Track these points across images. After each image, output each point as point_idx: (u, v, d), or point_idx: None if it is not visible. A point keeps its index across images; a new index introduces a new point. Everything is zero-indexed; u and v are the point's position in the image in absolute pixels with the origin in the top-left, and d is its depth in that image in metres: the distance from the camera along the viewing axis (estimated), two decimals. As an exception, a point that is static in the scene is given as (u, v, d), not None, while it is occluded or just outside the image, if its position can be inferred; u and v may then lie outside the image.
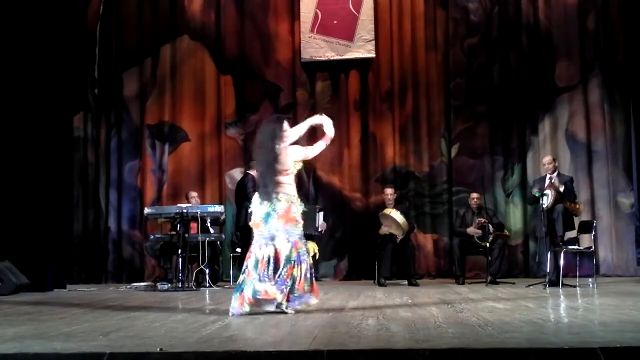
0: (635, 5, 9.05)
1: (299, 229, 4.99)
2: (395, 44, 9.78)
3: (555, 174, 7.69)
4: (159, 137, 9.91)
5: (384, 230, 8.26)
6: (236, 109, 9.87)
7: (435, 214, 9.55)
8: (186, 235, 7.81)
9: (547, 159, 7.93)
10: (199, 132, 9.88)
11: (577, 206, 7.60)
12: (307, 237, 8.25)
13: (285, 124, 5.20)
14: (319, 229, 8.22)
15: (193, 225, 8.01)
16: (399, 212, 8.15)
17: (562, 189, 7.39)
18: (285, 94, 9.84)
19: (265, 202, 4.93)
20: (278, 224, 4.90)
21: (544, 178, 7.76)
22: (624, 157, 9.20)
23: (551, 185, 7.45)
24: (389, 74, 9.76)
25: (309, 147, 5.31)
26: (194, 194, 8.85)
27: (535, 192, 7.45)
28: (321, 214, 8.35)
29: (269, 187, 4.93)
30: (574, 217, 7.58)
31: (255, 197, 5.05)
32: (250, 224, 5.09)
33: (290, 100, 9.82)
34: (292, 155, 5.14)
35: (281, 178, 4.98)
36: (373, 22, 9.68)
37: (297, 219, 4.98)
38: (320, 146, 5.38)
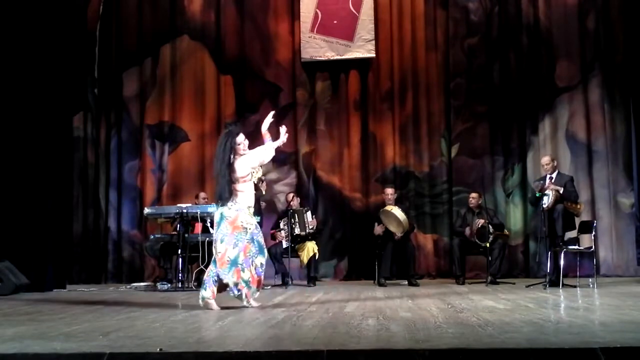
0: (635, 5, 9.04)
1: (248, 235, 5.42)
2: (395, 44, 9.78)
3: (554, 173, 7.69)
4: (159, 137, 9.91)
5: (378, 230, 8.26)
6: (236, 109, 9.86)
7: (435, 214, 9.54)
8: (186, 235, 7.81)
9: (545, 159, 7.93)
10: (199, 132, 9.88)
11: (578, 206, 7.60)
12: (303, 237, 8.41)
13: (240, 136, 5.51)
14: (310, 227, 8.39)
15: (197, 225, 8.02)
16: (400, 209, 8.16)
17: (561, 190, 7.38)
18: (285, 94, 9.83)
19: (220, 208, 5.44)
20: (227, 230, 5.39)
21: (544, 178, 7.76)
22: (624, 157, 9.19)
23: (551, 185, 7.45)
24: (389, 74, 9.76)
25: (261, 153, 5.57)
26: (203, 194, 8.86)
27: (537, 192, 7.44)
28: (309, 213, 8.51)
29: (224, 195, 5.38)
30: (575, 217, 7.58)
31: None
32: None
33: (290, 100, 9.82)
34: (248, 162, 5.48)
35: (238, 186, 5.43)
36: (373, 22, 9.67)
37: (244, 226, 5.42)
38: (271, 146, 5.61)
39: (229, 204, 5.39)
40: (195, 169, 9.83)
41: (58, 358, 3.26)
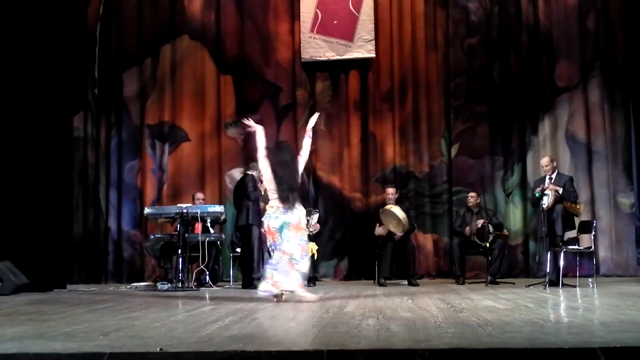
0: (635, 5, 9.05)
1: (305, 236, 5.98)
2: (395, 44, 9.78)
3: (554, 174, 7.69)
4: (159, 137, 9.91)
5: (379, 231, 8.26)
6: (236, 109, 9.86)
7: (435, 214, 9.55)
8: (186, 235, 7.81)
9: (544, 160, 7.92)
10: (199, 132, 9.88)
11: (578, 206, 7.59)
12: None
13: None
14: (311, 230, 8.31)
15: (197, 225, 8.02)
16: (400, 208, 8.15)
17: (560, 191, 7.38)
18: (285, 94, 9.84)
19: (282, 215, 5.80)
20: (291, 234, 5.79)
21: (543, 179, 7.75)
22: (624, 157, 9.20)
23: (551, 185, 7.45)
24: (389, 74, 9.76)
25: (302, 155, 6.16)
26: (200, 195, 8.85)
27: (537, 192, 7.45)
28: (315, 216, 8.49)
29: (293, 202, 5.84)
30: (575, 217, 7.58)
31: (272, 209, 5.87)
32: (263, 230, 6.08)
33: (290, 100, 9.82)
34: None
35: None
36: (373, 22, 9.67)
37: (305, 228, 5.99)
38: (306, 146, 6.21)
39: (293, 209, 5.84)
40: (195, 169, 9.83)
41: (58, 358, 3.25)
